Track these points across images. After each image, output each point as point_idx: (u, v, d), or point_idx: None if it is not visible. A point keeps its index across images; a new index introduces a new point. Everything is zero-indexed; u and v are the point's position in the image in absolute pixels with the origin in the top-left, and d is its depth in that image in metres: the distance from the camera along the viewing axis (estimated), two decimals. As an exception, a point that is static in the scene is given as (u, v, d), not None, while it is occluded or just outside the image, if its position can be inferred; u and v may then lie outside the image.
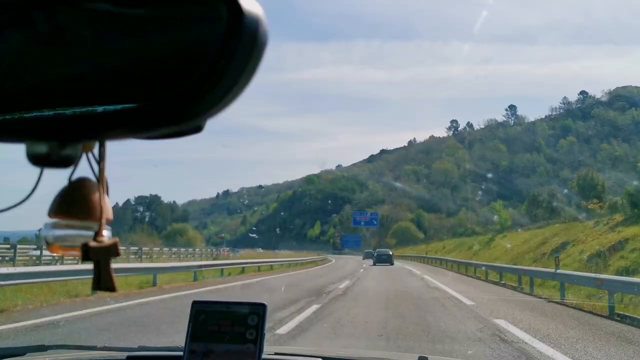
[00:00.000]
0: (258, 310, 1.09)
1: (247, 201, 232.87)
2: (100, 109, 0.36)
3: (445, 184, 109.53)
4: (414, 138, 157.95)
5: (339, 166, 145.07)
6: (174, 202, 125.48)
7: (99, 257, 0.42)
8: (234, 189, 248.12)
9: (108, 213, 0.45)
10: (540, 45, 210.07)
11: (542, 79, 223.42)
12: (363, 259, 48.76)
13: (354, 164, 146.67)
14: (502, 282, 17.11)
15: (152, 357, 1.27)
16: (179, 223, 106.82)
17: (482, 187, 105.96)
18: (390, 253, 37.22)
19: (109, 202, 0.45)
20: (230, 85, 0.35)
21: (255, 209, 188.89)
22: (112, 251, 0.42)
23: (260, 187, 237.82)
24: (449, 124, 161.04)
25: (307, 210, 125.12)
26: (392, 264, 33.92)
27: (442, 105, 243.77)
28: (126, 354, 1.26)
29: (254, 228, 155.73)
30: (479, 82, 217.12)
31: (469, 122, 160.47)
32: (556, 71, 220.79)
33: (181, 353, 1.06)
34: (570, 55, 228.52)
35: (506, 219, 50.90)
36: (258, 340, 1.06)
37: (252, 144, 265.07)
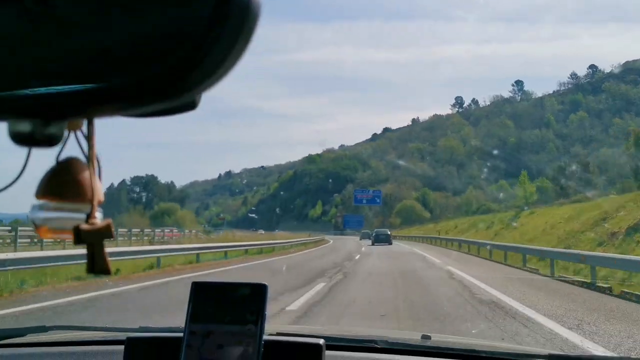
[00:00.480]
0: (259, 291, 1.07)
1: (245, 180, 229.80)
2: (87, 85, 0.34)
3: (451, 161, 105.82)
4: (418, 117, 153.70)
5: (341, 146, 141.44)
6: (172, 182, 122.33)
7: (92, 240, 0.40)
8: (236, 170, 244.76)
9: (99, 194, 0.43)
10: (543, 24, 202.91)
11: (547, 56, 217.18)
12: (360, 239, 47.32)
13: (357, 144, 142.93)
14: (571, 277, 11.93)
15: (152, 338, 1.28)
16: (168, 203, 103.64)
17: (489, 164, 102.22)
18: (389, 233, 37.39)
19: (99, 183, 0.43)
20: (220, 59, 0.33)
21: (255, 189, 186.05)
22: (105, 233, 0.41)
23: (262, 167, 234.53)
24: (454, 101, 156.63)
25: (308, 190, 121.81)
26: (390, 243, 34.43)
27: (445, 85, 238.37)
28: (126, 334, 1.27)
29: (253, 208, 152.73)
30: (483, 61, 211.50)
31: (474, 99, 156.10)
32: (561, 49, 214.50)
33: (181, 334, 1.06)
34: (575, 34, 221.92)
35: (531, 192, 46.60)
36: (259, 321, 1.05)
37: (253, 125, 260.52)
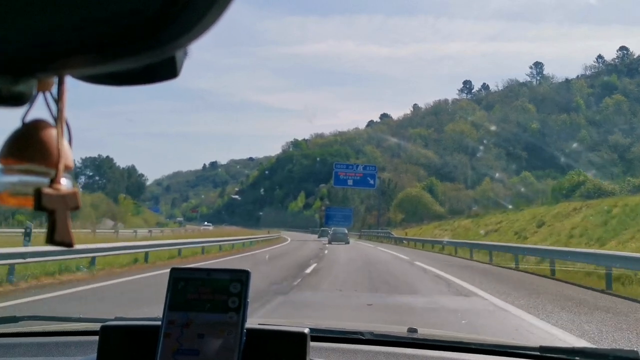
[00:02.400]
0: (241, 277, 1.03)
1: (220, 171, 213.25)
2: (56, 37, 0.31)
3: (461, 148, 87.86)
4: (419, 103, 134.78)
5: (334, 132, 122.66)
6: (132, 165, 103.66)
7: (55, 206, 0.36)
8: (223, 161, 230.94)
9: (67, 159, 0.39)
10: (548, 23, 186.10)
11: (553, 56, 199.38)
12: (318, 237, 43.58)
13: (351, 130, 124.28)
14: None
15: (128, 326, 1.22)
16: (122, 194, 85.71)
17: (508, 153, 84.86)
18: (346, 232, 36.19)
19: (68, 147, 0.40)
20: (199, 10, 0.30)
21: (239, 180, 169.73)
22: (70, 201, 0.37)
23: (250, 159, 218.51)
24: (462, 86, 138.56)
25: (290, 179, 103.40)
26: (347, 242, 33.16)
27: (450, 73, 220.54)
28: (100, 324, 1.22)
29: (233, 197, 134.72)
30: (486, 59, 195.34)
31: (484, 84, 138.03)
32: (565, 50, 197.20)
33: (159, 323, 1.02)
34: (580, 35, 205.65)
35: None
36: (241, 308, 1.01)
37: (248, 118, 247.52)
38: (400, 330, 1.71)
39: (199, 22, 0.31)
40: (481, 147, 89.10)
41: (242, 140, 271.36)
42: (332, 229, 38.20)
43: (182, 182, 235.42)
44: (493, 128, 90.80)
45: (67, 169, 0.39)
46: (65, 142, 0.39)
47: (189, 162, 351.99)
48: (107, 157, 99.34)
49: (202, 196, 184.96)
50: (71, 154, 0.40)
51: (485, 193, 65.89)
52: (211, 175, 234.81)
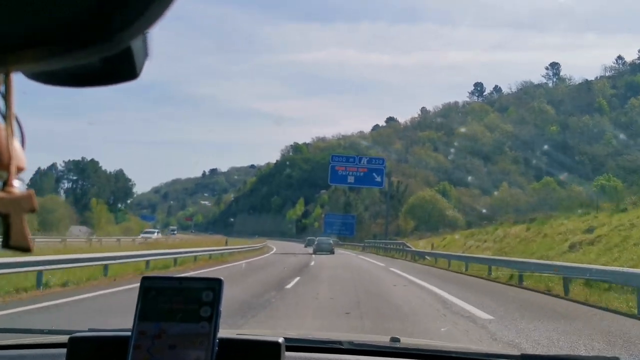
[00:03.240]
0: (213, 286, 1.00)
1: (220, 178, 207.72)
2: (1, 29, 0.28)
3: (475, 152, 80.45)
4: (428, 106, 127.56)
5: (336, 136, 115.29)
6: (120, 170, 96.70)
7: (8, 210, 0.34)
8: (223, 168, 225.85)
9: (19, 159, 0.36)
10: (552, 32, 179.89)
11: (566, 60, 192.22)
12: (305, 246, 42.71)
13: (355, 134, 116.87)
14: None
15: (97, 337, 1.19)
16: (101, 199, 79.07)
17: (526, 157, 77.50)
18: (331, 242, 35.23)
19: (20, 147, 0.37)
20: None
21: (238, 187, 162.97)
22: (24, 204, 0.35)
23: (252, 166, 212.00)
24: (472, 88, 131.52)
25: (289, 185, 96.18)
26: (332, 253, 32.66)
27: (457, 76, 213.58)
28: (68, 336, 1.19)
29: (232, 201, 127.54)
30: (494, 66, 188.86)
31: (496, 86, 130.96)
32: (576, 56, 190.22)
33: (130, 334, 0.98)
34: (585, 43, 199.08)
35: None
36: (213, 318, 0.98)
37: (252, 125, 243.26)
38: (382, 339, 1.61)
39: (151, 3, 0.29)
40: (497, 151, 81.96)
41: (243, 148, 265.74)
42: (318, 238, 37.45)
43: (181, 189, 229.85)
44: (509, 129, 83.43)
45: (19, 170, 0.36)
46: (16, 143, 0.36)
47: (188, 170, 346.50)
48: (92, 160, 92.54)
49: (205, 203, 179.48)
50: (23, 155, 0.37)
51: (504, 200, 58.52)
52: (211, 182, 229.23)
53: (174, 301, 0.98)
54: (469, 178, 69.72)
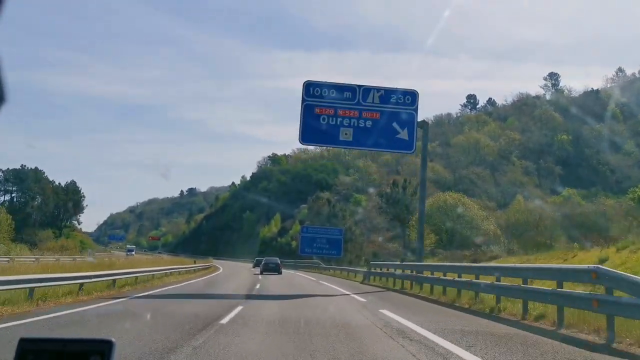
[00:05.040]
0: (102, 349, 0.86)
1: (198, 198, 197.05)
2: None
3: (478, 162, 70.08)
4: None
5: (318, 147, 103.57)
6: (72, 181, 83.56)
7: None
8: (203, 188, 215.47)
9: None
10: (531, 62, 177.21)
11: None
12: (253, 267, 42.50)
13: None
14: None
15: None
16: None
17: (539, 167, 67.54)
18: (279, 262, 35.00)
19: None
20: None
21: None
22: None
23: (233, 184, 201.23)
24: (464, 101, 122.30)
25: (264, 200, 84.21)
26: (280, 273, 32.73)
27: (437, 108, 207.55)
28: None
29: (203, 219, 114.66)
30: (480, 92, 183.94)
31: (490, 99, 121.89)
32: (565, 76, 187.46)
33: None
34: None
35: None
36: None
37: (236, 148, 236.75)
38: None
39: None
40: (503, 161, 71.83)
41: (225, 169, 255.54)
42: (265, 259, 36.94)
43: (157, 209, 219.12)
44: (516, 136, 73.50)
45: None
46: None
47: (165, 189, 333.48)
48: (36, 168, 79.52)
49: (181, 220, 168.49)
50: None
51: (519, 213, 47.79)
52: (188, 202, 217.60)
53: None
54: (475, 190, 59.25)
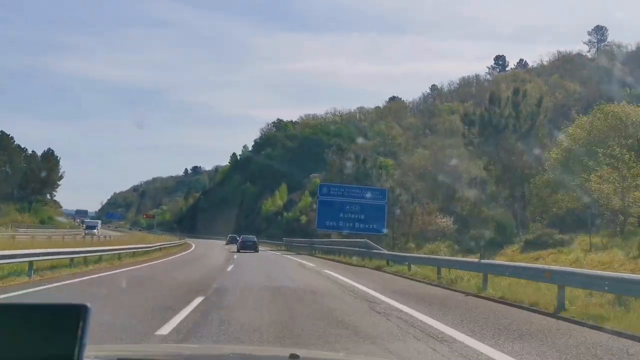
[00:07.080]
0: (76, 314, 0.78)
1: (202, 176, 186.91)
2: None
3: (521, 129, 57.33)
4: (436, 84, 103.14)
5: (330, 110, 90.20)
6: (49, 150, 71.53)
7: None
8: (207, 167, 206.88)
9: None
10: (538, 45, 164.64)
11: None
12: (226, 244, 44.42)
13: (353, 112, 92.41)
14: None
15: None
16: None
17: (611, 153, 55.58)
18: (255, 240, 35.68)
19: None
20: None
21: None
22: None
23: (234, 155, 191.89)
24: (492, 62, 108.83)
25: (268, 169, 72.09)
26: (257, 251, 33.01)
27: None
28: None
29: (200, 194, 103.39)
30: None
31: (521, 60, 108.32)
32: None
33: None
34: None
35: None
36: (77, 351, 0.77)
37: (241, 131, 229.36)
38: (281, 353, 1.43)
39: None
40: (553, 124, 59.17)
41: (230, 151, 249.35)
42: (242, 236, 37.10)
43: (160, 188, 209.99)
44: (576, 88, 60.69)
45: None
46: None
47: (170, 168, 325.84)
48: (2, 132, 67.68)
49: (181, 198, 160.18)
50: None
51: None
52: (192, 181, 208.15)
53: (26, 333, 0.77)
54: (518, 161, 46.95)
